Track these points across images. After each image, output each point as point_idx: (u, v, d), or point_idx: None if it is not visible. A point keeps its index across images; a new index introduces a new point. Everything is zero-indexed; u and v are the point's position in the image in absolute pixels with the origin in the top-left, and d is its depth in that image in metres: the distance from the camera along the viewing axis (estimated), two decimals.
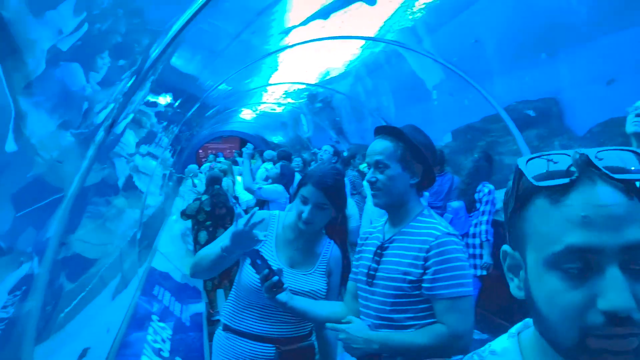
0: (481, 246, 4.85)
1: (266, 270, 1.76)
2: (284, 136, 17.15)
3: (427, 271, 1.60)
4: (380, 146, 1.75)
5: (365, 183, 7.24)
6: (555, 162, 0.68)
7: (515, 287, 0.74)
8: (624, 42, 3.89)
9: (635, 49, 3.86)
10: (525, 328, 0.82)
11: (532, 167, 0.68)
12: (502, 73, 5.30)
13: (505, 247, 0.76)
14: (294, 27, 5.12)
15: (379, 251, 1.76)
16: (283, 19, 5.10)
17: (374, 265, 1.76)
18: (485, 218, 4.81)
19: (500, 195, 5.54)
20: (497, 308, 5.46)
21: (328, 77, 8.38)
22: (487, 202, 4.83)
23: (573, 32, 4.27)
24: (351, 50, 6.66)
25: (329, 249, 2.14)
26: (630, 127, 2.69)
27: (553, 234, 0.64)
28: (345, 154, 7.68)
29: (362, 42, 6.12)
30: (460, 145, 6.22)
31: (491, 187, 4.92)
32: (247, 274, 2.02)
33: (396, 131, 1.75)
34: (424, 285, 1.61)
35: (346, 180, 5.06)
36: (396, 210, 1.77)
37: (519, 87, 5.26)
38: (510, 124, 5.19)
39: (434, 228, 1.64)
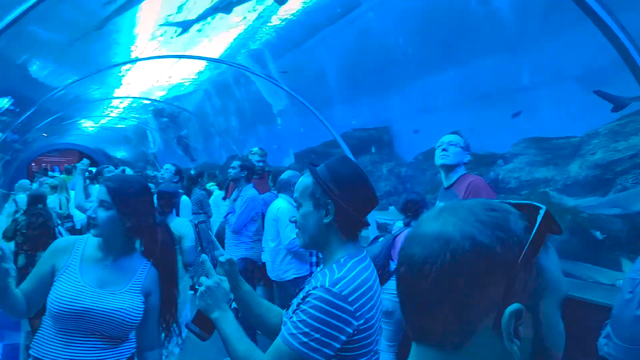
0: None
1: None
2: (127, 151, 16.34)
3: None
4: (299, 183, 1.63)
5: (211, 202, 7.24)
6: None
7: (517, 348, 0.65)
8: (445, 80, 4.54)
9: (452, 86, 4.53)
10: None
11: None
12: (341, 102, 5.78)
13: (518, 306, 0.64)
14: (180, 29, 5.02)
15: (303, 288, 1.63)
16: (131, 31, 5.00)
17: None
18: None
19: None
20: None
21: (176, 94, 8.29)
22: None
23: (403, 69, 4.84)
24: (199, 69, 6.70)
25: (145, 268, 2.04)
26: (437, 160, 3.13)
27: (560, 276, 0.71)
28: (192, 172, 7.62)
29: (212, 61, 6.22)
30: (302, 167, 6.58)
31: None
32: (51, 299, 1.88)
33: (310, 166, 1.63)
34: None
35: (185, 198, 5.01)
36: (320, 252, 1.64)
37: (356, 116, 5.77)
38: (346, 149, 5.66)
39: (322, 278, 1.47)
